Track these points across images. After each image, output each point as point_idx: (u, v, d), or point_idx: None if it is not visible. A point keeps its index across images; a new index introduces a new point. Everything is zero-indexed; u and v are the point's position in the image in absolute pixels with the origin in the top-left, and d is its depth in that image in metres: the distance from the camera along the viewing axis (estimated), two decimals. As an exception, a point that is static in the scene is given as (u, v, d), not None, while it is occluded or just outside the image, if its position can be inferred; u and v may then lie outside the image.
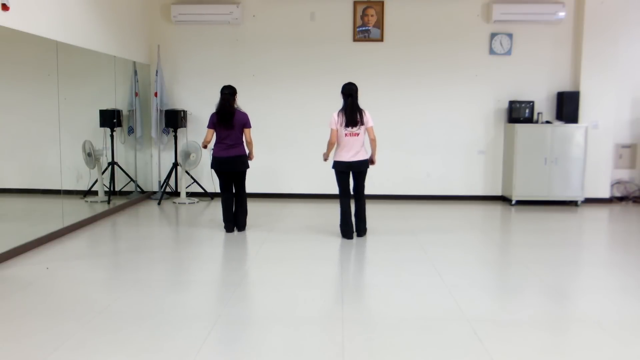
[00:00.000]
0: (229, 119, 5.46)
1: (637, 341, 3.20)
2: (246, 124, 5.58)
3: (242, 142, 5.63)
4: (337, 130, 5.28)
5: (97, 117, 6.66)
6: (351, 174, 5.43)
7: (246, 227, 5.93)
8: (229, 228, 5.78)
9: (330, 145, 5.39)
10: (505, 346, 3.10)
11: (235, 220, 5.83)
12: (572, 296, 4.08)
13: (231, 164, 5.57)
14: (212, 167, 5.67)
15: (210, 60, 7.86)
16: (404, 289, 4.12)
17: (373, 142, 5.39)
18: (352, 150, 5.27)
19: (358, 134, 5.25)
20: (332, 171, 5.49)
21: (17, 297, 3.86)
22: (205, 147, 5.75)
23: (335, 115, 5.29)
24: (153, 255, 5.00)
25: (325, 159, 5.59)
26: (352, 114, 5.22)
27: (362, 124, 5.25)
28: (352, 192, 5.55)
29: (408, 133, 7.87)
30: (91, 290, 4.07)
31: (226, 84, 5.67)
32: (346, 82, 5.41)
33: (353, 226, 5.53)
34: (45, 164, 5.61)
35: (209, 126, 5.58)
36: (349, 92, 5.26)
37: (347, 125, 5.22)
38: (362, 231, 5.59)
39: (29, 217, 5.47)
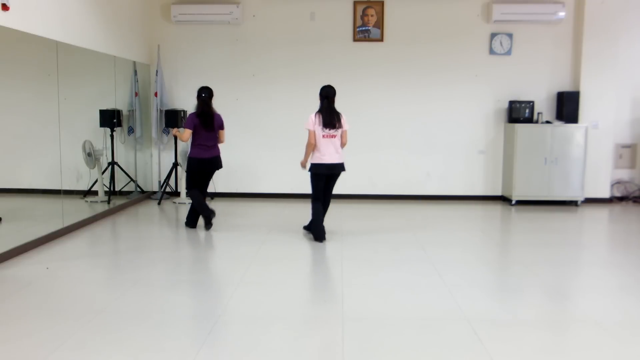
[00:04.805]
0: (210, 122, 5.58)
1: (637, 341, 3.20)
2: (222, 124, 5.77)
3: (217, 142, 5.80)
4: (314, 132, 5.27)
5: (97, 117, 6.66)
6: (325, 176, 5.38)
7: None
8: (209, 224, 5.77)
9: (309, 147, 5.33)
10: (505, 346, 3.10)
11: (205, 218, 5.82)
12: (572, 296, 4.09)
13: (212, 165, 5.75)
14: (190, 168, 5.72)
15: (210, 60, 7.85)
16: (404, 288, 4.12)
17: (343, 146, 5.38)
18: (331, 152, 5.26)
19: (335, 136, 5.26)
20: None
21: (17, 297, 3.87)
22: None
23: (312, 116, 5.28)
24: (153, 255, 5.00)
25: (304, 166, 5.48)
26: (330, 116, 5.23)
27: (340, 126, 5.26)
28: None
29: (408, 133, 7.87)
30: (91, 290, 4.07)
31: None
32: (325, 84, 5.38)
33: (324, 228, 5.46)
34: (45, 164, 5.61)
35: (189, 127, 5.58)
36: (326, 94, 5.27)
37: (324, 127, 5.22)
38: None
39: (29, 217, 5.47)
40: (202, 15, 7.57)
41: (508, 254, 5.36)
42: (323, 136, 5.24)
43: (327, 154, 5.26)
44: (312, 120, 5.26)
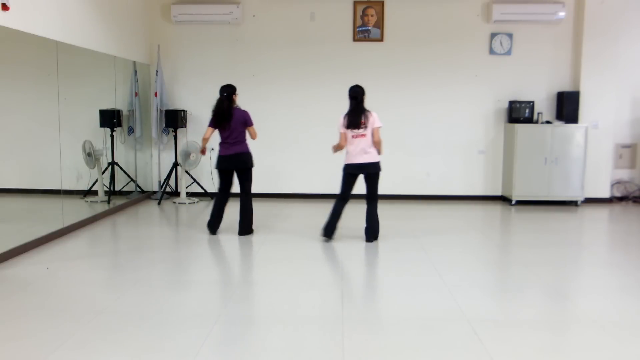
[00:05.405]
0: (226, 120, 5.47)
1: (637, 341, 3.20)
2: (247, 121, 5.56)
3: (244, 140, 5.58)
4: (344, 133, 5.32)
5: (97, 117, 6.66)
6: (363, 178, 5.39)
7: (251, 233, 5.76)
8: (212, 230, 5.69)
9: (339, 148, 5.42)
10: (505, 346, 3.10)
11: (239, 224, 5.71)
12: (572, 296, 4.09)
13: (232, 162, 5.56)
14: (215, 166, 5.68)
15: (210, 60, 7.86)
16: (404, 289, 4.12)
17: (377, 144, 5.32)
18: (361, 151, 5.28)
19: (365, 135, 5.27)
20: (333, 171, 5.49)
21: (17, 297, 3.87)
22: (203, 151, 5.83)
23: (341, 118, 5.35)
24: (153, 255, 5.00)
25: (334, 152, 5.54)
26: (354, 117, 5.27)
27: (367, 126, 5.26)
28: (365, 196, 5.47)
29: (408, 133, 7.87)
30: (91, 290, 4.07)
31: (226, 83, 5.65)
32: (354, 84, 5.41)
33: (336, 229, 5.45)
34: (45, 164, 5.61)
35: (210, 124, 5.59)
36: (354, 94, 5.32)
37: (351, 128, 5.26)
38: (371, 236, 5.46)
39: (29, 217, 5.47)
40: (202, 15, 7.57)
41: (508, 254, 5.36)
42: (353, 136, 5.29)
43: (355, 154, 5.30)
44: (341, 123, 5.34)
